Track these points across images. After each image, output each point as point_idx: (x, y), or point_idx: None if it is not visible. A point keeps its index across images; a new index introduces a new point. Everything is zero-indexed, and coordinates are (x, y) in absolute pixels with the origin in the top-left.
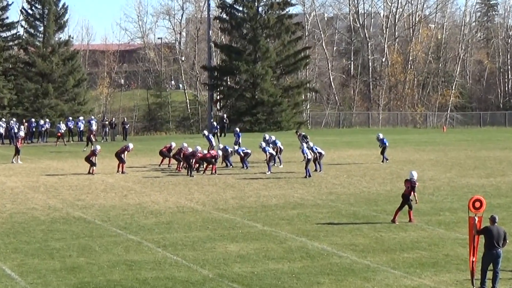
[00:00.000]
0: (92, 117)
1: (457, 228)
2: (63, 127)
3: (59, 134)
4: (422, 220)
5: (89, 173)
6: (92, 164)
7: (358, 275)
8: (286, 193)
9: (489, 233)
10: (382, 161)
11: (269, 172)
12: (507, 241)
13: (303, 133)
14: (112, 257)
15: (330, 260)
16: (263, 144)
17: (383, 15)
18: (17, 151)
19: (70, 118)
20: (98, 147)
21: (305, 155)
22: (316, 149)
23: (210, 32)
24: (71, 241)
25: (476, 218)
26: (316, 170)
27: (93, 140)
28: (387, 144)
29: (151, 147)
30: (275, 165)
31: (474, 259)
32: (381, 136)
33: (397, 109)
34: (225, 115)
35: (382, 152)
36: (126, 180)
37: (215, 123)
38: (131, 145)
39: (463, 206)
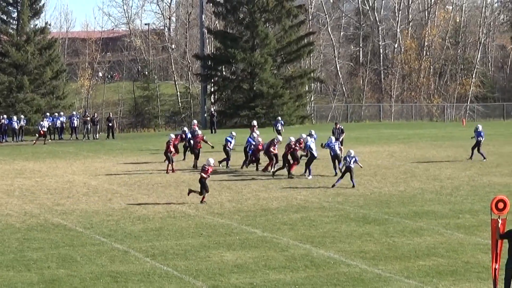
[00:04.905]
0: (74, 112)
1: (478, 232)
2: (46, 124)
3: (42, 132)
4: (440, 223)
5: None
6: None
7: (368, 286)
8: (288, 195)
9: None
10: (470, 158)
11: (311, 176)
12: None
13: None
14: (95, 268)
15: (337, 269)
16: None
17: None
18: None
19: (48, 114)
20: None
21: (310, 150)
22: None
23: (203, 16)
24: (50, 250)
25: (499, 221)
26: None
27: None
28: (482, 138)
29: (137, 145)
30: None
31: (497, 267)
32: (480, 128)
33: (411, 101)
34: (212, 109)
35: (474, 147)
36: (111, 182)
37: (279, 118)
38: (172, 135)
39: (485, 207)
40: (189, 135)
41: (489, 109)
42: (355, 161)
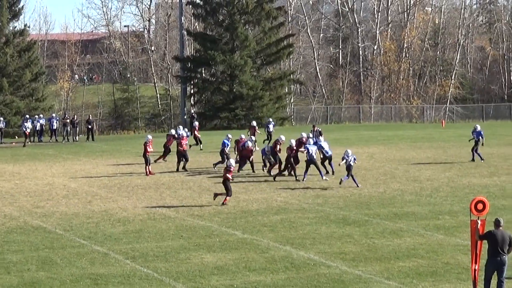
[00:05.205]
0: (54, 114)
1: (457, 233)
2: (29, 126)
3: (27, 133)
4: (419, 224)
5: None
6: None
7: (348, 287)
8: (268, 197)
9: (493, 238)
10: (482, 159)
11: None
12: None
13: (320, 129)
14: (75, 270)
15: (317, 270)
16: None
17: None
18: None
19: (27, 116)
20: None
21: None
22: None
23: (182, 18)
24: (30, 253)
25: (479, 222)
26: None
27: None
28: (480, 139)
29: (117, 147)
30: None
31: (476, 267)
32: (478, 128)
33: (390, 102)
34: (192, 111)
35: (474, 148)
36: (90, 184)
37: (270, 119)
38: (149, 137)
39: (464, 208)
40: (183, 134)
41: (468, 111)
42: (354, 160)
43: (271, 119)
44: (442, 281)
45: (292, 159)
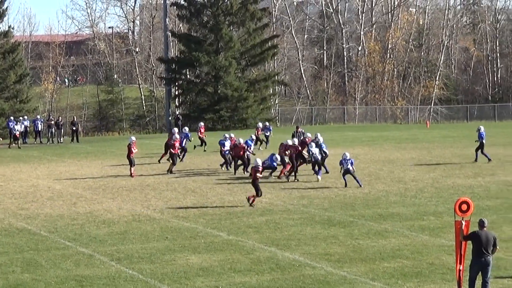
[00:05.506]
0: (38, 116)
1: (442, 234)
2: (18, 128)
3: (17, 135)
4: (404, 225)
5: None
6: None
7: None
8: None
9: (477, 238)
10: (476, 160)
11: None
12: (497, 247)
13: (303, 130)
14: (60, 272)
15: (302, 271)
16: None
17: None
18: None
19: (12, 118)
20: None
21: (312, 154)
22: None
23: (167, 20)
24: (14, 255)
25: (463, 222)
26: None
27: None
28: (478, 139)
29: (102, 149)
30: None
31: (461, 268)
32: (482, 129)
33: (375, 103)
34: (177, 112)
35: (478, 149)
36: (75, 186)
37: (267, 123)
38: (133, 138)
39: (449, 209)
40: (177, 136)
41: (452, 111)
42: (352, 163)
43: (267, 123)
44: (427, 282)
45: (294, 158)
